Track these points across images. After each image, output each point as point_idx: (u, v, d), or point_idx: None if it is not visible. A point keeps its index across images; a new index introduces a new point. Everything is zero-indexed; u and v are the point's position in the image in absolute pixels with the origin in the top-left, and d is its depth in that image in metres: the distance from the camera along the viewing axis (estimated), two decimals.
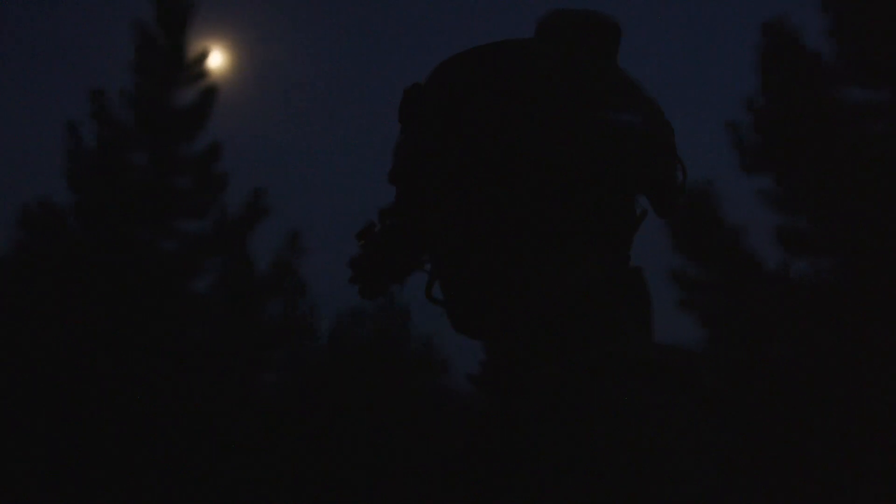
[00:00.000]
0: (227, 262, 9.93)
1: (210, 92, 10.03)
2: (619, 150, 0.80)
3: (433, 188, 0.84)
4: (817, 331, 9.00)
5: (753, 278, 9.50)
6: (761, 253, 9.57)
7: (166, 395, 9.31)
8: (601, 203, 0.82)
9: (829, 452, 8.31)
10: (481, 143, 0.80)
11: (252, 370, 10.25)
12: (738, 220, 9.62)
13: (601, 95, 0.81)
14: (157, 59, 9.89)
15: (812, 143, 9.16)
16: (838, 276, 9.20)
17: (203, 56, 10.13)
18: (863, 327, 8.81)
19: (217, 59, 10.26)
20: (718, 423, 0.80)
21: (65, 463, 9.07)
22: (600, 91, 0.81)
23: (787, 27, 9.41)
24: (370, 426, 11.82)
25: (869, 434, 8.41)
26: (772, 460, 8.33)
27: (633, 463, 0.73)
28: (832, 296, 9.09)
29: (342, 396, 11.47)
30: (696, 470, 0.74)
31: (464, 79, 0.83)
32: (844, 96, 9.25)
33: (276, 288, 10.11)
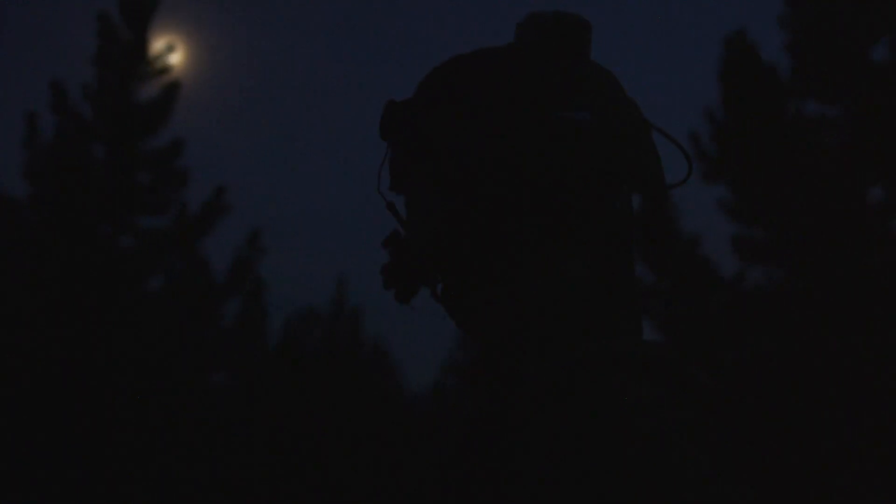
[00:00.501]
0: (187, 259, 9.82)
1: (173, 87, 9.93)
2: (573, 147, 0.83)
3: (419, 196, 0.87)
4: (771, 337, 9.21)
5: (709, 286, 9.70)
6: (718, 261, 9.79)
7: (117, 394, 9.17)
8: (574, 201, 0.84)
9: (787, 454, 8.51)
10: (453, 148, 0.84)
11: (204, 371, 10.14)
12: (697, 228, 9.81)
13: (557, 95, 0.84)
14: (120, 52, 9.77)
15: (768, 155, 9.38)
16: (791, 285, 9.43)
17: (167, 51, 10.04)
18: (814, 334, 9.05)
19: (181, 55, 10.16)
20: (714, 418, 0.83)
21: (7, 455, 8.89)
22: (557, 91, 0.84)
23: (747, 41, 9.63)
24: (319, 428, 11.77)
25: (821, 436, 8.63)
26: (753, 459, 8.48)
27: (639, 458, 0.75)
28: (785, 304, 9.32)
29: (291, 399, 11.41)
30: (699, 465, 0.76)
31: (436, 87, 0.88)
32: (800, 110, 9.50)
33: (234, 288, 10.03)
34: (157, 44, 10.03)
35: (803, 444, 8.60)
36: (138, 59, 9.83)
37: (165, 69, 9.95)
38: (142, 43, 9.87)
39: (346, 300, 14.78)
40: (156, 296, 9.85)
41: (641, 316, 0.89)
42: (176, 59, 10.20)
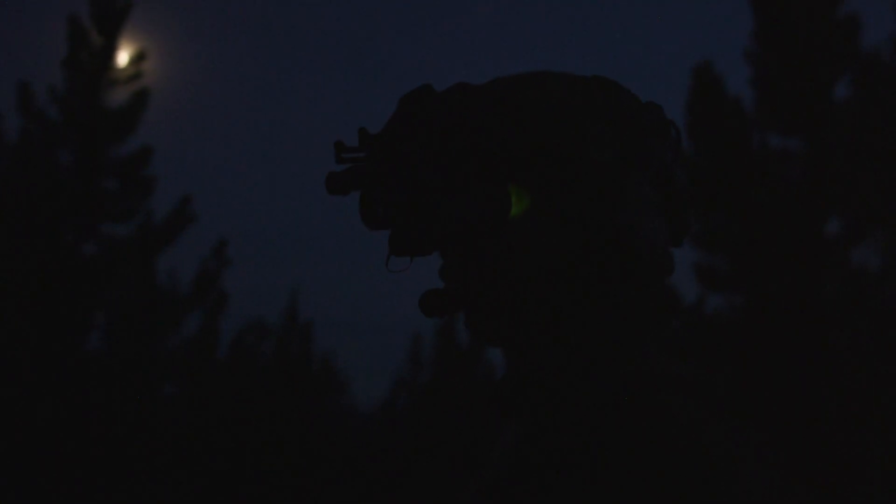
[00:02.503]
0: (150, 269, 9.69)
1: (142, 94, 9.81)
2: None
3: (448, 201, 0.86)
4: (728, 363, 9.41)
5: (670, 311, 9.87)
6: (680, 287, 9.98)
7: (72, 402, 9.00)
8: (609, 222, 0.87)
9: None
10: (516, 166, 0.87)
11: (158, 382, 9.99)
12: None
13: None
14: (89, 56, 9.62)
15: (731, 185, 9.61)
16: (749, 313, 9.65)
17: (138, 57, 9.91)
18: (770, 362, 9.27)
19: (152, 63, 10.05)
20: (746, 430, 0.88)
21: None
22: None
23: (713, 72, 9.87)
24: (267, 442, 11.66)
25: (772, 459, 8.84)
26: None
27: (703, 477, 0.78)
28: (743, 331, 9.53)
29: (240, 413, 11.29)
30: (759, 478, 0.80)
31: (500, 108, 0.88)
32: (764, 142, 9.75)
33: (198, 299, 9.92)
34: (128, 50, 9.92)
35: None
36: (108, 65, 9.70)
37: (135, 76, 9.83)
38: (112, 49, 9.75)
39: (299, 313, 14.69)
40: (118, 304, 9.69)
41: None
42: (146, 66, 10.09)
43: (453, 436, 13.14)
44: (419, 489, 12.24)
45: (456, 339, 16.91)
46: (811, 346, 9.26)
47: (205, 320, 10.06)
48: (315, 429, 12.74)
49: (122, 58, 9.78)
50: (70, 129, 9.41)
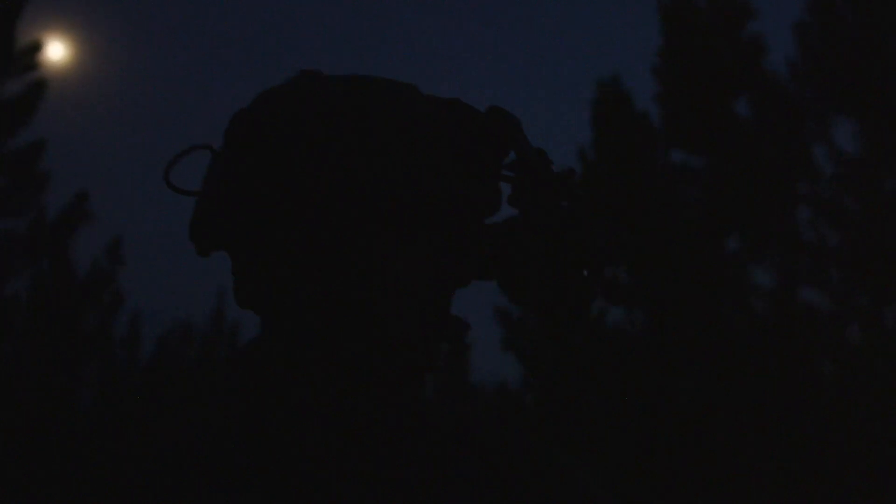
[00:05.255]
0: (42, 266, 9.41)
1: (38, 86, 9.53)
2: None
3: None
4: (626, 375, 9.46)
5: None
6: None
7: None
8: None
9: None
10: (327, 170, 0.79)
11: (69, 386, 9.70)
12: None
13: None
14: None
15: (634, 199, 9.67)
16: (648, 327, 9.72)
17: (34, 48, 9.63)
18: (666, 376, 9.34)
19: (53, 53, 9.77)
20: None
21: None
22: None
23: (620, 87, 9.94)
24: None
25: (672, 473, 8.90)
26: None
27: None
28: (642, 345, 9.60)
29: (162, 415, 11.03)
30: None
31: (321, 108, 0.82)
32: (668, 158, 9.84)
33: (93, 298, 9.66)
34: (24, 40, 9.63)
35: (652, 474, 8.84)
36: (3, 55, 9.40)
37: (32, 66, 9.54)
38: (7, 38, 9.45)
39: (226, 315, 14.46)
40: (10, 303, 9.39)
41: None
42: (46, 57, 9.81)
43: None
44: None
45: None
46: (709, 359, 9.35)
47: (99, 320, 9.79)
48: None
49: (19, 47, 9.50)
50: None
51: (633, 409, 9.29)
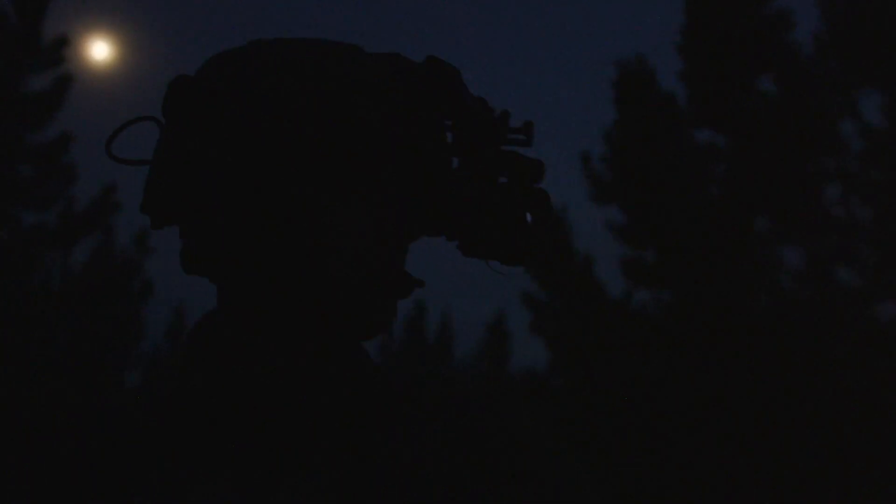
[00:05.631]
0: (72, 257, 9.60)
1: (65, 80, 9.70)
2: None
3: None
4: (653, 360, 9.34)
5: (598, 305, 9.80)
6: (608, 281, 9.90)
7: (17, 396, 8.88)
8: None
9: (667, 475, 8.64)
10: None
11: (97, 375, 9.90)
12: (587, 248, 9.92)
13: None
14: (10, 40, 9.51)
15: (661, 180, 9.54)
16: (676, 310, 9.58)
17: (61, 42, 9.80)
18: (695, 358, 9.20)
19: (80, 48, 9.94)
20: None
21: None
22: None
23: (644, 66, 9.78)
24: None
25: (698, 459, 8.78)
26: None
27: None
28: (670, 326, 9.46)
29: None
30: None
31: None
32: (694, 137, 9.68)
33: (122, 288, 9.83)
34: (52, 34, 9.81)
35: (669, 467, 8.74)
36: (30, 49, 9.58)
37: (59, 60, 9.72)
38: (34, 32, 9.63)
39: None
40: (38, 292, 9.59)
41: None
42: (73, 52, 9.98)
43: None
44: None
45: (424, 334, 16.91)
46: (735, 344, 9.18)
47: (129, 309, 9.96)
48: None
49: (46, 41, 9.68)
50: None
51: (660, 393, 9.17)
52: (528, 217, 0.83)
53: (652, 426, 9.00)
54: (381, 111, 0.79)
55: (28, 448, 0.83)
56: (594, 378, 9.51)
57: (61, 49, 9.75)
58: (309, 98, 0.78)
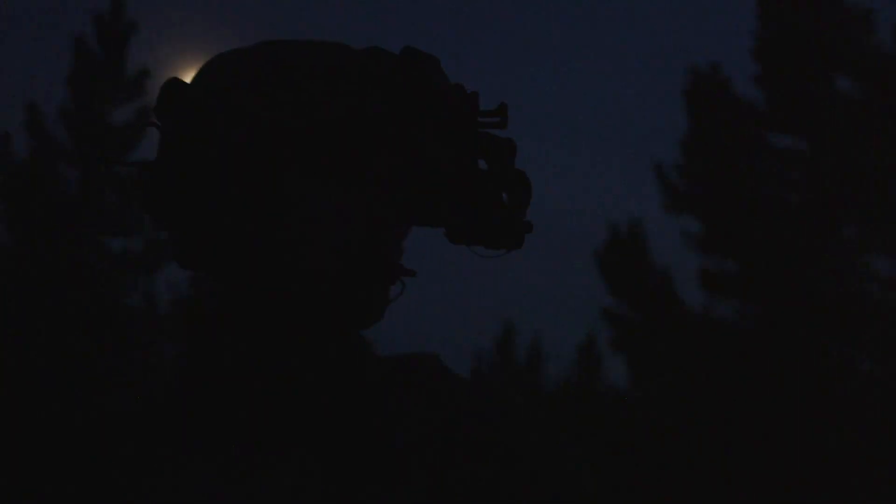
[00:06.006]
0: (156, 281, 9.90)
1: (147, 111, 10.06)
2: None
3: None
4: (738, 377, 9.05)
5: (678, 320, 9.57)
6: (685, 294, 9.66)
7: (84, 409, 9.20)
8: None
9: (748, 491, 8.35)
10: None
11: None
12: (663, 260, 9.72)
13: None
14: (95, 75, 9.93)
15: (741, 187, 9.29)
16: (761, 322, 9.27)
17: (143, 74, 10.18)
18: (783, 372, 8.88)
19: (162, 79, 10.31)
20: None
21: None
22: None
23: (718, 73, 9.58)
24: None
25: (779, 481, 8.45)
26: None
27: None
28: (754, 341, 9.16)
29: None
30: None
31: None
32: (771, 142, 9.41)
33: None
34: (135, 67, 10.20)
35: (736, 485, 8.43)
36: (113, 83, 9.99)
37: (140, 93, 10.10)
38: (117, 67, 10.03)
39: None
40: (128, 315, 9.92)
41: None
42: (155, 83, 10.36)
43: None
44: None
45: (514, 355, 16.91)
46: (828, 354, 8.83)
47: None
48: None
49: (128, 75, 10.07)
50: (75, 146, 9.71)
51: (747, 408, 8.87)
52: (504, 198, 0.83)
53: (739, 440, 8.71)
54: (359, 102, 0.81)
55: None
56: (678, 394, 9.27)
57: (144, 81, 10.14)
58: (293, 93, 0.80)
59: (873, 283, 8.99)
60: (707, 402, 9.13)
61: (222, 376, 0.81)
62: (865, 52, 8.84)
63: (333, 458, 0.78)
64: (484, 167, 0.84)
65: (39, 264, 9.35)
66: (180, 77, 0.85)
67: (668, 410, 9.22)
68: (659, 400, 9.41)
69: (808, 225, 9.11)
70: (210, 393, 0.81)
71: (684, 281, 9.53)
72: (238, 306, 0.82)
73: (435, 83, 0.83)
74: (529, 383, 15.51)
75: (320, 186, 0.80)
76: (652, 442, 9.04)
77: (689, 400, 9.25)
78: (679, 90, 9.41)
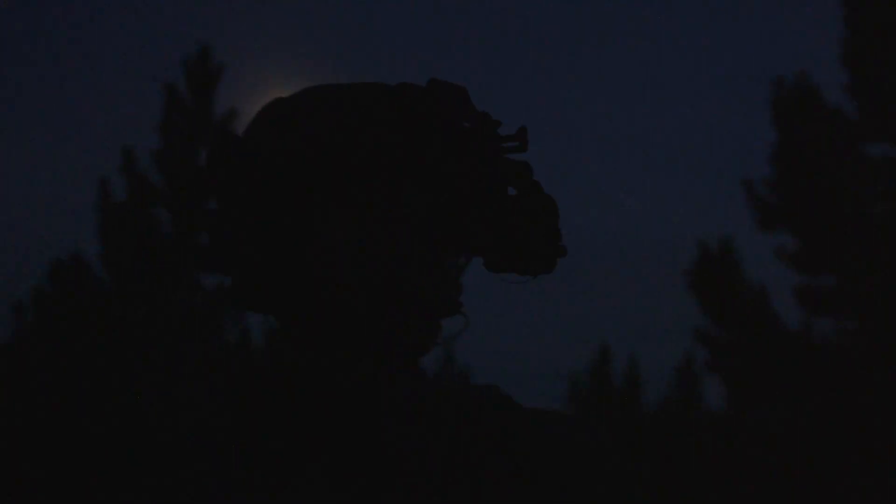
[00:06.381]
0: (248, 318, 10.09)
1: None
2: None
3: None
4: (840, 395, 8.70)
5: (774, 339, 9.27)
6: (781, 312, 9.35)
7: None
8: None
9: None
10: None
11: None
12: (756, 278, 9.43)
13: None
14: (184, 119, 10.24)
15: (833, 200, 8.97)
16: (863, 339, 8.91)
17: (231, 115, 10.45)
18: (885, 392, 8.50)
19: (246, 118, 10.58)
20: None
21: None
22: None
23: (806, 82, 9.30)
24: None
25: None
26: None
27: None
28: (857, 359, 8.80)
29: None
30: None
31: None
32: (864, 151, 9.07)
33: None
34: (222, 109, 10.48)
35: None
36: (202, 126, 10.28)
37: None
38: (206, 110, 10.33)
39: (455, 358, 14.78)
40: (224, 351, 10.13)
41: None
42: (243, 124, 10.63)
43: None
44: None
45: (610, 379, 16.71)
46: None
47: None
48: None
49: (216, 117, 10.35)
50: (168, 188, 10.02)
51: (849, 427, 8.51)
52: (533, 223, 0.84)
53: (841, 461, 8.37)
54: (385, 137, 0.82)
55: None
56: (778, 415, 8.96)
57: (232, 122, 10.40)
58: (330, 137, 0.83)
59: None
60: (808, 422, 8.81)
61: (273, 415, 0.82)
62: None
63: (383, 493, 0.77)
64: (513, 193, 0.83)
65: (137, 304, 9.64)
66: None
67: (769, 431, 8.92)
68: (759, 421, 9.12)
69: None
70: (260, 429, 0.82)
71: (779, 299, 9.24)
72: (287, 343, 0.83)
73: (457, 114, 0.83)
74: (627, 405, 15.24)
75: (349, 223, 0.81)
76: (753, 463, 8.76)
77: (790, 421, 8.93)
78: (761, 103, 9.16)
